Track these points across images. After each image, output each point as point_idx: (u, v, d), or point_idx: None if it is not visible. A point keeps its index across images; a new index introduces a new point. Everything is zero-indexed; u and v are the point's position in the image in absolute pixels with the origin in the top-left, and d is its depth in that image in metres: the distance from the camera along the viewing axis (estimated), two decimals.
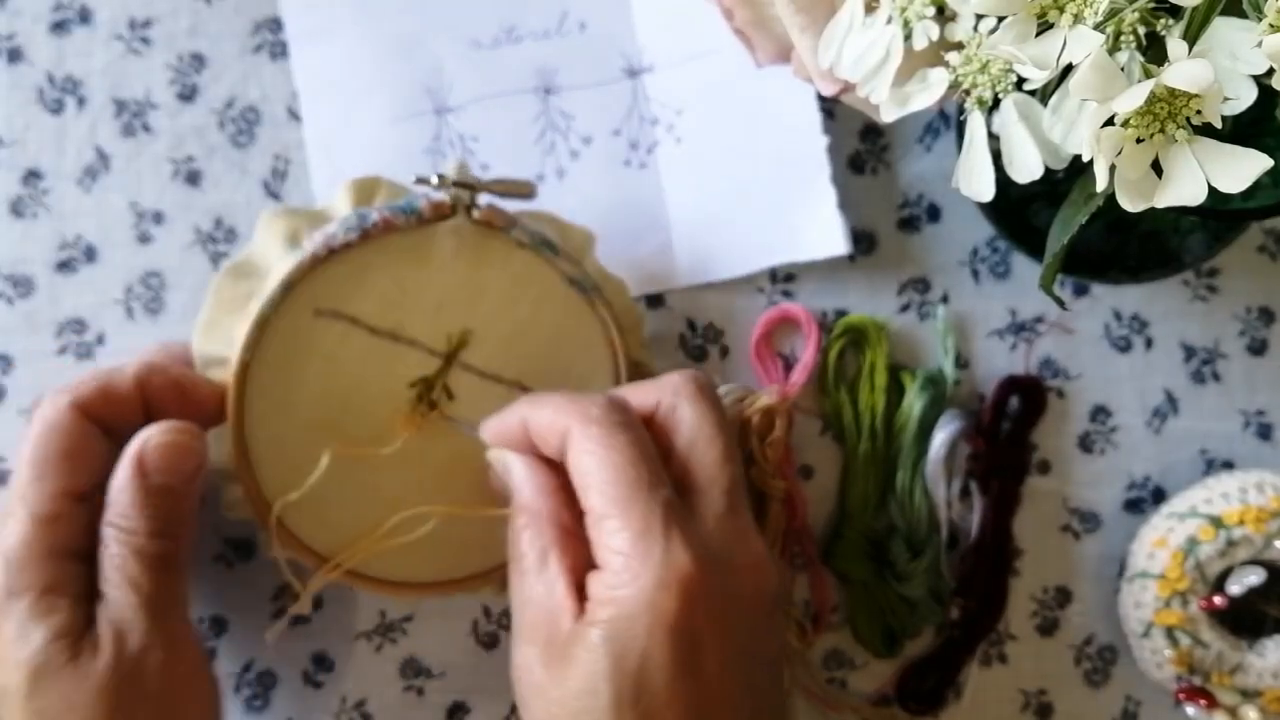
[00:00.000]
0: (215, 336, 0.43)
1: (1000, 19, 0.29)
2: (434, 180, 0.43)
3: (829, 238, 0.48)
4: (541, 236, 0.44)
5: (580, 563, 0.39)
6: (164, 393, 0.42)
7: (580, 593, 0.38)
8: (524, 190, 0.45)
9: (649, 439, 0.39)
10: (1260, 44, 0.27)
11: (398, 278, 0.43)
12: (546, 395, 0.42)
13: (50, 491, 0.40)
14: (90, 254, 0.50)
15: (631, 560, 0.36)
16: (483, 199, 0.44)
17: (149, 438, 0.40)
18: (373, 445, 0.44)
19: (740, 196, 0.49)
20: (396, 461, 0.44)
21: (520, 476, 0.41)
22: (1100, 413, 0.50)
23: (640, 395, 0.41)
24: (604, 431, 0.38)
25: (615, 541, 0.37)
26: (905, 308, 0.50)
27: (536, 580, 0.39)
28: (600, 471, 0.38)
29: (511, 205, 0.45)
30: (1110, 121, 0.28)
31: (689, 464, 0.40)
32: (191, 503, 0.42)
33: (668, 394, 0.41)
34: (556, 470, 0.41)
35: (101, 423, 0.41)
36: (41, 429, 0.40)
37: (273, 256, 0.43)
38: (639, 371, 0.46)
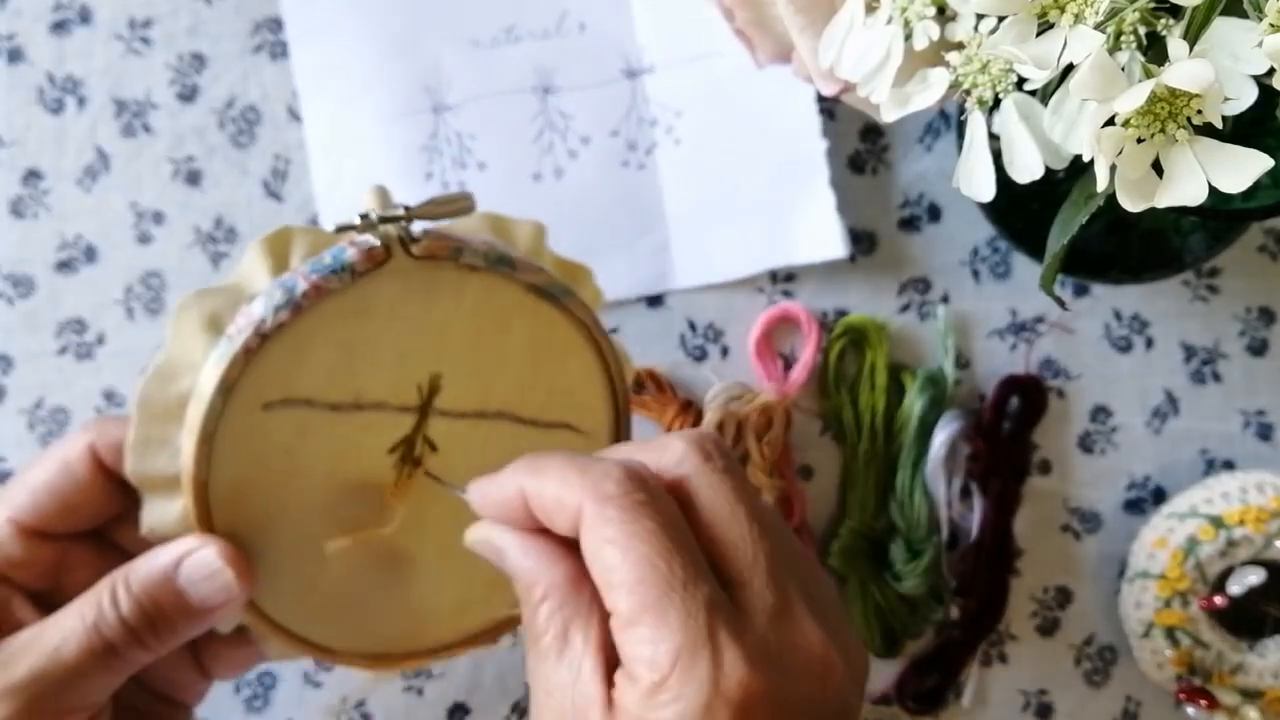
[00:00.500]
0: (154, 453, 0.37)
1: (1001, 19, 0.29)
2: (358, 222, 0.35)
3: (827, 241, 0.48)
4: (495, 252, 0.37)
5: (608, 638, 0.32)
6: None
7: (610, 673, 0.32)
8: (462, 205, 0.38)
9: (680, 518, 0.32)
10: (1260, 44, 0.27)
11: (344, 343, 0.37)
12: (546, 461, 0.34)
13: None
14: (90, 254, 0.50)
15: (670, 680, 0.30)
16: (417, 226, 0.37)
17: (205, 548, 0.37)
18: (372, 527, 0.39)
19: (739, 199, 0.49)
20: (400, 532, 0.40)
21: (516, 559, 0.34)
22: (1100, 413, 0.50)
23: (647, 459, 0.34)
24: (624, 515, 0.32)
25: (648, 652, 0.30)
26: (905, 308, 0.50)
27: (558, 664, 0.33)
28: (625, 568, 0.31)
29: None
30: (1111, 121, 0.28)
31: (717, 547, 0.33)
32: (186, 635, 0.38)
33: (676, 462, 0.34)
34: (563, 541, 0.34)
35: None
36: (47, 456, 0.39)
37: (196, 351, 0.36)
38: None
